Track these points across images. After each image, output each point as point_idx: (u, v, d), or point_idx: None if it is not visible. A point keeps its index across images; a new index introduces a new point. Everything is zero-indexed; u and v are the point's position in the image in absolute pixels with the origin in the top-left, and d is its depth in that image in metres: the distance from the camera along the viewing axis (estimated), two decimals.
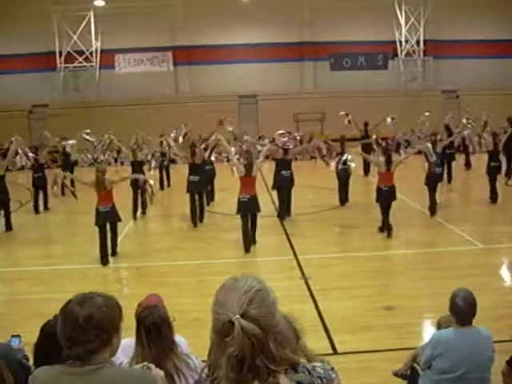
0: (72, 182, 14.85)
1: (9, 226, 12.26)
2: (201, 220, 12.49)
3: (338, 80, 28.79)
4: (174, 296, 7.82)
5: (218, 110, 26.81)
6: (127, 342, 3.15)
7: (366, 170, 17.87)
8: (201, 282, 8.62)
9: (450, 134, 16.56)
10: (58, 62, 28.40)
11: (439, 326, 4.54)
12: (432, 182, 12.47)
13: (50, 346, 2.80)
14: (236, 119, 27.91)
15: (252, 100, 28.38)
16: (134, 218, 13.02)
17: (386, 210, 10.82)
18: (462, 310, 4.06)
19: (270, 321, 1.57)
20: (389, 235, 10.72)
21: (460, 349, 4.02)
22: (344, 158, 12.71)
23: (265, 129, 26.27)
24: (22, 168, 17.11)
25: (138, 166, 13.73)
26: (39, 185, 14.28)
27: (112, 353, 2.30)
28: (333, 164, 13.31)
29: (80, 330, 2.16)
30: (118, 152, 23.38)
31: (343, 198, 13.81)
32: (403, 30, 28.15)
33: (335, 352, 6.25)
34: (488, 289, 7.58)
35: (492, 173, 13.55)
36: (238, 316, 1.53)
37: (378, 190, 11.04)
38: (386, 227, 10.82)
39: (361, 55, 29.44)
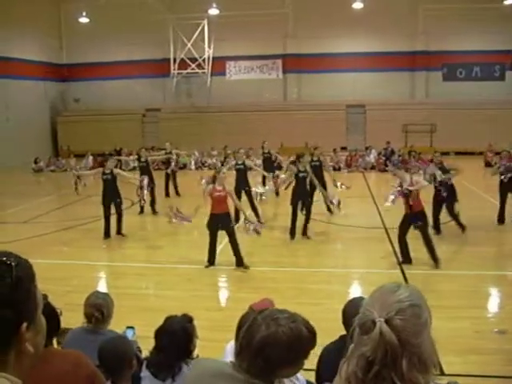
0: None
1: (119, 231, 12.16)
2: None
3: (451, 91, 27.78)
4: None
5: (325, 119, 26.84)
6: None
7: None
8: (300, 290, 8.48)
9: None
10: (171, 68, 29.54)
11: None
12: None
13: None
14: (343, 128, 27.79)
15: (360, 110, 28.03)
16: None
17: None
18: None
19: (411, 338, 1.49)
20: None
21: None
22: None
23: (372, 139, 25.89)
24: (134, 169, 17.31)
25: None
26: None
27: None
28: None
29: None
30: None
31: None
32: None
33: None
34: None
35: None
36: (381, 319, 1.49)
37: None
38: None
39: (476, 65, 28.24)
